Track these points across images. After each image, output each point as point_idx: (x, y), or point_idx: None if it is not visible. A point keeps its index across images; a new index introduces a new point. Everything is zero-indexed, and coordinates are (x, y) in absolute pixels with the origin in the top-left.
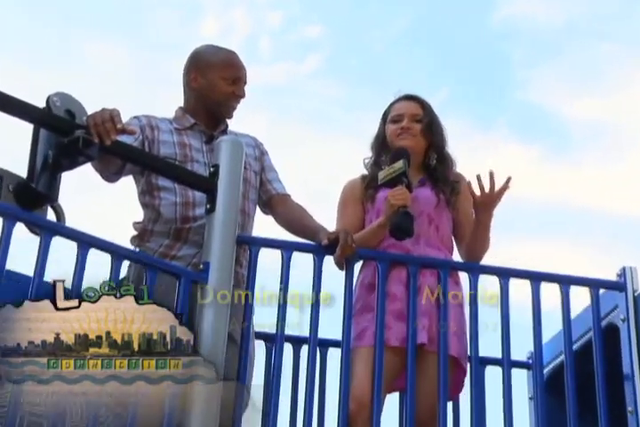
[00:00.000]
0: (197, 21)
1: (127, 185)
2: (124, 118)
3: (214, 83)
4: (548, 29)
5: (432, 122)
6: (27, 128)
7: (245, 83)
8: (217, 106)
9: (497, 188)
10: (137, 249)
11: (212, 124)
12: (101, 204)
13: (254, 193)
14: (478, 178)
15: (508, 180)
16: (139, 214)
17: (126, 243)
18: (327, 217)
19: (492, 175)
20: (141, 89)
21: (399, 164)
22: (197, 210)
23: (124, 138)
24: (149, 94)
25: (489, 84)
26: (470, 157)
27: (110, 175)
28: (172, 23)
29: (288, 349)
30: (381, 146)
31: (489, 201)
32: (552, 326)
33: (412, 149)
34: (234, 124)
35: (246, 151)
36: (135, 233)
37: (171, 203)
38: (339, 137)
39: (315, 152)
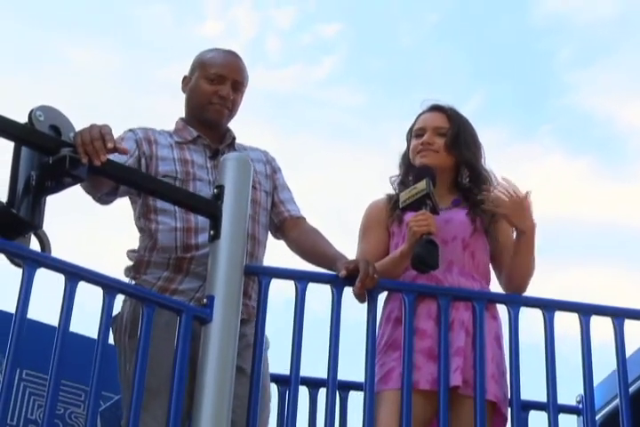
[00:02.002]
0: (195, 21)
1: (123, 208)
2: (117, 132)
3: (197, 83)
4: (599, 25)
5: (459, 135)
6: (7, 146)
7: (240, 84)
8: (200, 110)
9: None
10: (132, 282)
11: (215, 136)
12: (93, 231)
13: (265, 216)
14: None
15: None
16: (135, 241)
17: (120, 274)
18: (347, 243)
19: (506, 180)
20: (132, 98)
21: (422, 184)
22: (200, 237)
23: (116, 155)
24: (141, 104)
25: (530, 88)
26: (509, 171)
27: (103, 196)
28: (167, 23)
29: (303, 392)
30: (408, 165)
31: (519, 207)
32: (605, 366)
33: (436, 168)
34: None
35: (256, 168)
36: (130, 263)
37: (169, 228)
38: (359, 152)
39: (332, 170)
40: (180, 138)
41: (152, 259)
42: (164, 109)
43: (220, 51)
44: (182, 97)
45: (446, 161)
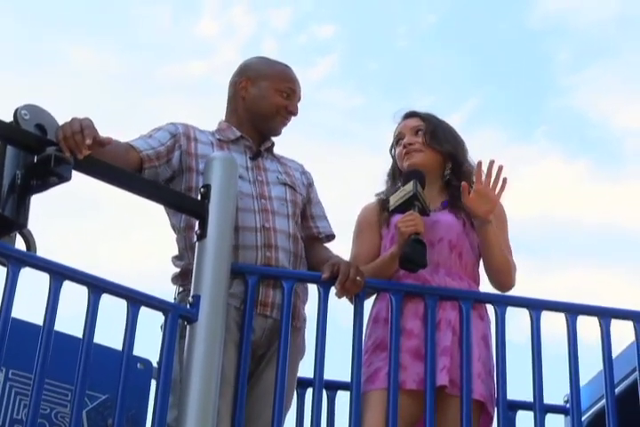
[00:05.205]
0: (192, 21)
1: (113, 208)
2: (111, 131)
3: (267, 93)
4: (596, 26)
5: (436, 129)
6: None
7: (299, 100)
8: (265, 119)
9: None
10: (180, 289)
11: (257, 139)
12: (80, 230)
13: (299, 215)
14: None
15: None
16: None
17: (104, 275)
18: (341, 245)
19: (491, 164)
20: (129, 97)
21: (409, 186)
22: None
23: (150, 142)
24: (138, 103)
25: (527, 90)
26: (506, 174)
27: None
28: (164, 23)
29: None
30: (395, 179)
31: (482, 195)
32: (593, 366)
33: (423, 167)
34: None
35: (294, 175)
36: (177, 271)
37: None
38: (355, 154)
39: (328, 173)
40: (222, 136)
41: None
42: (160, 108)
43: (282, 64)
44: (224, 97)
45: (432, 158)
